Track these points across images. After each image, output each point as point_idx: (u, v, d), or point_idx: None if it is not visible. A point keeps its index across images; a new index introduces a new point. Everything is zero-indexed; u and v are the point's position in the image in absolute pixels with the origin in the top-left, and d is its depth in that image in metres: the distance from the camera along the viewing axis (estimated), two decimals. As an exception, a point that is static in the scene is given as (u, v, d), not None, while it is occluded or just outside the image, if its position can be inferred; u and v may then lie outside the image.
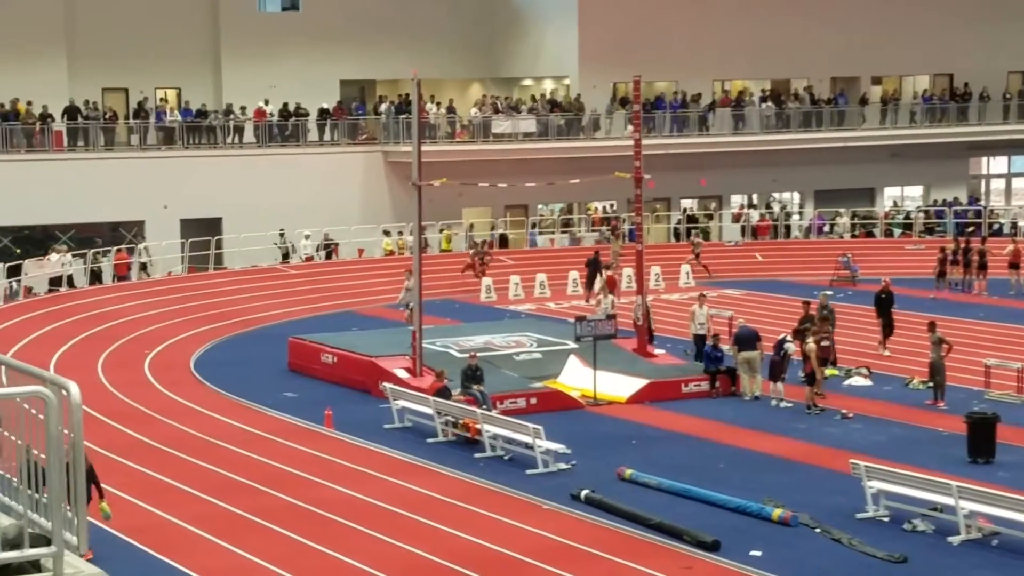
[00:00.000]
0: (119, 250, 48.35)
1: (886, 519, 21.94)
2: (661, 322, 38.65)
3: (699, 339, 34.03)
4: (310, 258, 50.88)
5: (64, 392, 6.72)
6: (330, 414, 29.19)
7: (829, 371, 32.59)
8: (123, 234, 49.95)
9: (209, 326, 41.25)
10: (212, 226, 50.79)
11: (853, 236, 57.89)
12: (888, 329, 36.47)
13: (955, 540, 20.81)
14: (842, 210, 58.92)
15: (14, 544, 6.80)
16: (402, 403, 29.32)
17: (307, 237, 50.69)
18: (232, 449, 27.01)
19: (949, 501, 21.19)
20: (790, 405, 30.24)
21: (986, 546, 20.70)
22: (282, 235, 50.74)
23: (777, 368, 30.67)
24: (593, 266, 45.34)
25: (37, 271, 46.04)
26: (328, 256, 51.58)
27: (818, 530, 21.40)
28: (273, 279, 48.05)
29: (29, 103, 50.12)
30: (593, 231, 56.38)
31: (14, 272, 44.96)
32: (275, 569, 19.80)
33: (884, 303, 36.64)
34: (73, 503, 6.85)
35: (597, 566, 19.85)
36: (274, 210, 50.35)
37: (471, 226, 54.13)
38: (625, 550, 20.49)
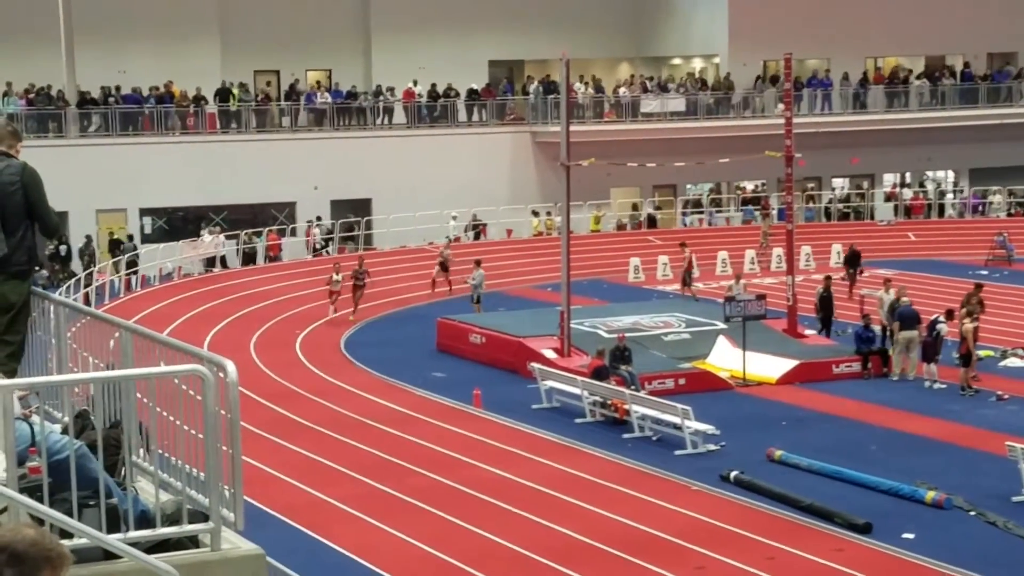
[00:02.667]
0: (271, 231, 49.08)
1: (1043, 503, 21.51)
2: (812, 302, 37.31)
3: None
4: (458, 238, 51.09)
5: (221, 372, 6.80)
6: (479, 394, 29.34)
7: (984, 352, 31.94)
8: (274, 215, 50.68)
9: (359, 306, 41.59)
10: (362, 207, 51.32)
11: (1009, 215, 56.61)
12: None
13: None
14: (998, 188, 57.63)
15: (173, 520, 6.92)
16: (550, 383, 29.36)
17: (455, 218, 50.91)
18: (382, 429, 27.28)
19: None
20: (943, 386, 29.73)
21: None
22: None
23: (930, 349, 30.17)
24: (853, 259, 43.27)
25: (191, 252, 46.94)
26: (476, 236, 51.77)
27: (973, 513, 21.04)
28: (422, 260, 48.31)
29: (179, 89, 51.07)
30: (741, 211, 55.93)
31: (168, 253, 45.87)
32: (426, 548, 19.98)
33: None
34: (230, 480, 6.95)
35: (747, 547, 19.71)
36: (423, 190, 50.66)
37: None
38: (775, 532, 20.34)
